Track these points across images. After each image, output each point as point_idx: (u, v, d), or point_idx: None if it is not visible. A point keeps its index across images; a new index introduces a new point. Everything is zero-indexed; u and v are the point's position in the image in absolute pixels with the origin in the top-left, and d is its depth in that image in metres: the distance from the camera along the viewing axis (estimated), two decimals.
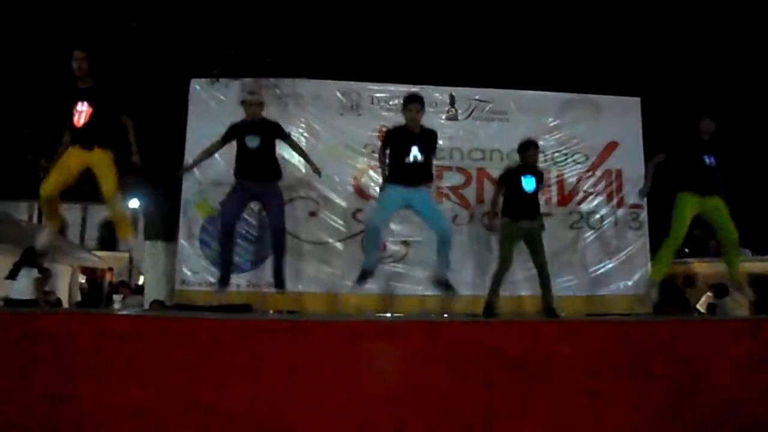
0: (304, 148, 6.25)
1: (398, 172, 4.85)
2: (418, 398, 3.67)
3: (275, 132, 5.15)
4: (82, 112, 4.58)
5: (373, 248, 4.92)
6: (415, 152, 4.80)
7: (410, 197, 4.82)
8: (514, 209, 5.33)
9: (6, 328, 3.77)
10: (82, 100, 4.59)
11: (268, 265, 6.09)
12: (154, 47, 6.50)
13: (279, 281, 5.20)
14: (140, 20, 6.29)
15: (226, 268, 5.10)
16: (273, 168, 5.13)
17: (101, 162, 4.59)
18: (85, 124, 4.57)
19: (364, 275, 4.86)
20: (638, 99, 6.85)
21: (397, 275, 6.19)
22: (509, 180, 5.44)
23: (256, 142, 5.01)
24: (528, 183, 5.37)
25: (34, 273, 7.04)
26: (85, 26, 6.40)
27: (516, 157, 6.40)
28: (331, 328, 4.08)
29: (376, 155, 6.32)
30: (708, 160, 5.17)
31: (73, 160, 4.60)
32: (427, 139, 4.93)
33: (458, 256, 6.25)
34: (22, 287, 6.90)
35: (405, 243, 6.19)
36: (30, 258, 7.10)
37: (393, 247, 6.21)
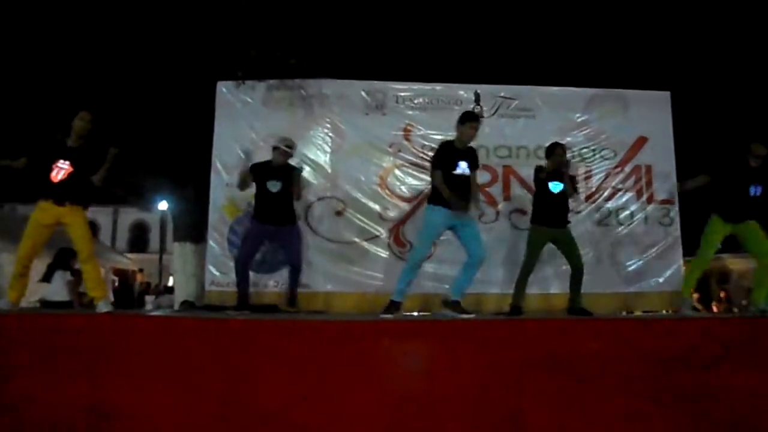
0: (330, 148, 6.33)
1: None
2: (447, 397, 3.65)
3: (295, 176, 5.49)
4: (62, 170, 4.72)
5: (408, 282, 4.97)
6: (463, 167, 4.89)
7: (455, 218, 4.82)
8: (542, 214, 5.38)
9: (43, 329, 3.88)
10: (65, 158, 4.74)
11: None
12: (180, 50, 6.58)
13: (291, 300, 5.54)
14: (166, 24, 6.37)
15: (244, 296, 5.41)
16: (292, 212, 5.51)
17: (74, 219, 4.72)
18: (62, 182, 4.70)
19: (394, 306, 4.84)
20: (668, 93, 6.70)
21: (424, 274, 6.15)
22: (539, 183, 5.47)
23: (278, 187, 5.36)
24: (555, 186, 5.37)
25: (68, 275, 7.18)
26: (111, 30, 6.52)
27: (541, 153, 6.37)
28: (358, 327, 4.10)
29: (402, 154, 6.39)
30: (754, 190, 5.24)
31: (44, 216, 4.72)
32: (473, 157, 5.04)
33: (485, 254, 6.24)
34: (57, 289, 7.04)
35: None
36: (63, 260, 7.26)
37: None
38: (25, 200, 25.35)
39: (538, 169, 5.43)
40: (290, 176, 5.42)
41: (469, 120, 4.95)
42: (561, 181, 5.33)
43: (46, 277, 7.14)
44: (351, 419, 3.60)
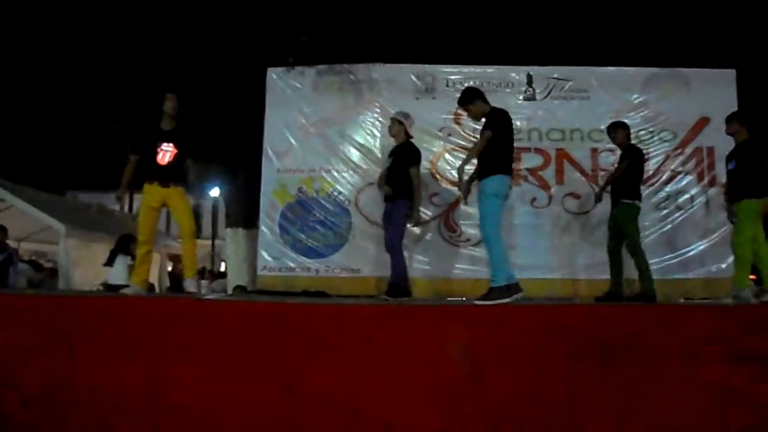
0: (379, 133, 6.30)
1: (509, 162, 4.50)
2: (499, 383, 3.62)
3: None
4: (167, 152, 4.93)
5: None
6: None
7: None
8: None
9: (107, 311, 4.02)
10: (168, 140, 4.94)
11: (346, 250, 6.23)
12: (232, 39, 6.67)
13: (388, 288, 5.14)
14: (219, 13, 6.46)
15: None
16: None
17: (178, 198, 4.93)
18: (169, 164, 4.92)
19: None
20: (733, 71, 6.40)
21: (473, 259, 6.11)
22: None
23: (389, 162, 5.35)
24: None
25: (128, 260, 7.43)
26: (169, 21, 6.64)
27: (596, 136, 6.22)
28: (409, 312, 4.09)
29: (452, 138, 6.31)
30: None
31: (151, 199, 4.92)
32: None
33: (537, 239, 6.14)
34: (119, 273, 7.30)
35: None
36: (124, 245, 7.52)
37: (470, 231, 6.14)
38: (85, 188, 26.45)
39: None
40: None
41: None
42: None
43: (109, 262, 7.42)
44: (399, 401, 3.62)
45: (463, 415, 3.57)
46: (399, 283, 5.05)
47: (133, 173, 5.04)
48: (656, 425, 3.52)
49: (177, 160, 4.94)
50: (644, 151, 6.25)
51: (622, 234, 5.14)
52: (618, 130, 5.44)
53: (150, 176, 4.91)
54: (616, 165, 5.52)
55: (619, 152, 5.53)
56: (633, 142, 6.23)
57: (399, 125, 5.34)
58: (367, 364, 3.69)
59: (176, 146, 4.94)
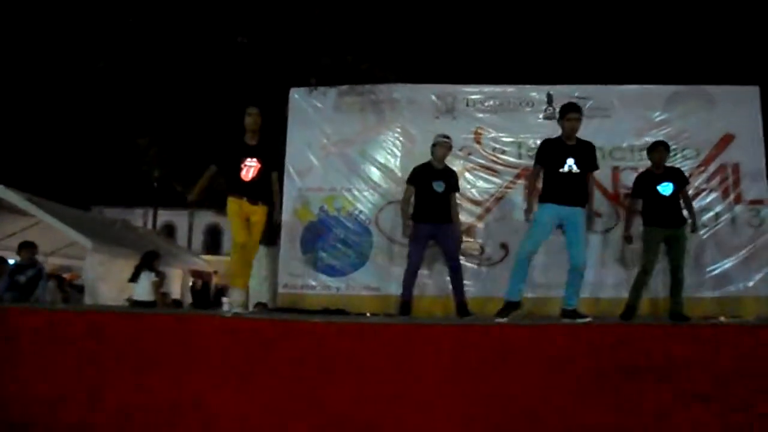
0: (400, 152, 6.35)
1: (552, 188, 4.70)
2: (513, 401, 3.62)
3: (455, 180, 5.53)
4: (251, 167, 4.96)
5: (521, 279, 4.69)
6: (570, 163, 4.69)
7: (566, 216, 4.64)
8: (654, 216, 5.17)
9: (129, 329, 4.10)
10: (252, 156, 4.97)
11: (366, 269, 6.25)
12: (256, 59, 6.79)
13: (462, 308, 5.27)
14: (245, 35, 6.59)
15: (409, 302, 5.32)
16: (450, 212, 5.40)
17: (260, 218, 5.00)
18: (254, 179, 4.95)
19: (509, 307, 4.65)
20: (756, 88, 6.33)
21: (494, 278, 6.08)
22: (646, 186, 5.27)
23: (442, 187, 5.35)
24: (664, 188, 5.17)
25: (152, 276, 7.56)
26: (194, 42, 6.78)
27: (617, 154, 6.19)
28: (429, 331, 4.10)
29: (472, 157, 6.33)
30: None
31: (241, 210, 4.94)
32: (584, 151, 4.79)
33: (561, 257, 6.06)
34: (144, 289, 7.45)
35: (503, 246, 6.09)
36: (148, 262, 7.65)
37: (489, 250, 6.13)
38: (110, 204, 26.88)
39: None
40: (452, 178, 5.48)
41: (569, 111, 4.76)
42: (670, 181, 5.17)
43: (134, 278, 7.55)
44: (426, 421, 3.62)
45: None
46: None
47: (208, 182, 5.10)
48: None
49: (261, 175, 4.97)
50: None
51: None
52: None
53: (236, 191, 4.95)
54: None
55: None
56: None
57: (449, 150, 5.50)
58: (387, 381, 3.71)
59: (260, 161, 4.97)
